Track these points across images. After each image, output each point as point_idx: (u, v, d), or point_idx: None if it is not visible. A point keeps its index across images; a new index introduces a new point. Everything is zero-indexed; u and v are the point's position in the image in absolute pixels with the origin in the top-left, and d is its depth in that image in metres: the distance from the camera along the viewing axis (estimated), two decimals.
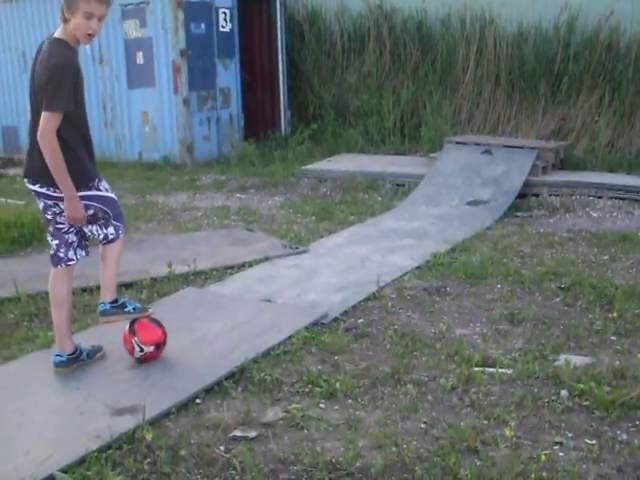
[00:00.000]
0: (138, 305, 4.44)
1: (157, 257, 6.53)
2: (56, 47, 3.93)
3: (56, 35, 3.99)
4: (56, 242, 4.26)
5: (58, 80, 3.86)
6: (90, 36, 3.94)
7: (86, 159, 4.14)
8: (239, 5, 12.27)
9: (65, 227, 4.23)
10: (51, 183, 4.02)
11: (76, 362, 4.34)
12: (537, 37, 11.16)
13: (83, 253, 4.36)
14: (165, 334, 4.41)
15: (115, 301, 4.33)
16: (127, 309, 4.34)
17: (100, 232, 4.29)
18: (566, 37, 10.92)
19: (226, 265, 6.36)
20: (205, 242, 7.14)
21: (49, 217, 4.22)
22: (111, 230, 4.29)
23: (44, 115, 3.87)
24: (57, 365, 4.31)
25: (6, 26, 13.44)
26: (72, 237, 4.28)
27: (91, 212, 4.19)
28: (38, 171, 4.04)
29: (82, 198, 4.08)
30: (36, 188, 4.11)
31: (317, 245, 7.04)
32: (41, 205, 4.21)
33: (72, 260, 4.29)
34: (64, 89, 3.88)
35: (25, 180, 4.19)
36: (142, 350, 4.33)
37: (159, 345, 4.39)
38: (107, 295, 4.32)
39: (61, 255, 4.26)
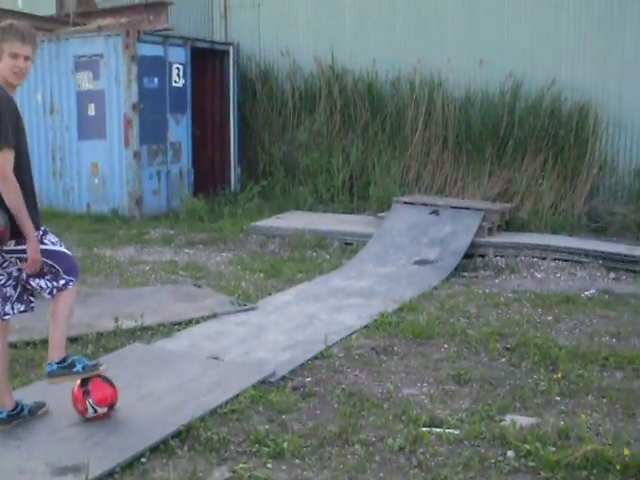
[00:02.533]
0: (88, 363, 4.31)
1: (104, 311, 6.44)
2: None
3: None
4: None
5: None
6: (17, 75, 4.00)
7: (29, 209, 4.03)
8: (192, 61, 12.40)
9: (2, 280, 4.14)
10: None
11: (16, 419, 4.21)
12: (484, 102, 11.51)
13: (22, 307, 4.25)
14: (116, 393, 4.33)
15: (63, 360, 4.20)
16: (76, 368, 4.21)
17: (48, 285, 4.18)
18: (511, 103, 11.30)
19: (173, 321, 6.30)
20: (152, 297, 7.07)
21: None
22: (60, 284, 4.19)
23: None
24: None
25: None
26: (10, 290, 4.18)
27: None
28: None
29: (24, 252, 4.01)
30: None
31: (265, 302, 7.03)
32: None
33: (8, 314, 4.19)
34: (5, 124, 3.87)
35: None
36: (95, 411, 4.22)
37: (112, 405, 4.31)
38: (54, 354, 4.19)
39: None
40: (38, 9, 15.21)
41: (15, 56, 3.97)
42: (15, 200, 3.89)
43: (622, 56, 10.75)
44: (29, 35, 4.02)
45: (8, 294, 4.18)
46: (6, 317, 4.19)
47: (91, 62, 11.68)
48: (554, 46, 11.11)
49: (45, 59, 12.03)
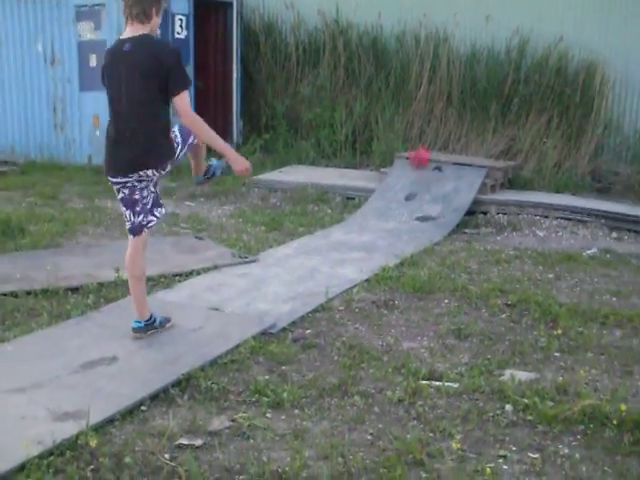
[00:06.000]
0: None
1: (104, 262, 6.44)
2: (154, 39, 4.44)
3: (142, 32, 4.39)
4: (141, 217, 4.73)
5: (180, 62, 4.35)
6: None
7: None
8: (195, 12, 12.22)
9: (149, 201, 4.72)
10: (152, 165, 4.52)
11: (151, 329, 4.77)
12: (489, 58, 11.37)
13: (162, 210, 4.92)
14: None
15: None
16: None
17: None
18: (517, 60, 11.17)
19: (174, 272, 6.31)
20: (153, 249, 6.98)
21: (136, 197, 4.64)
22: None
23: (181, 95, 4.28)
24: (135, 331, 4.73)
25: None
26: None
27: (145, 195, 4.68)
28: (138, 158, 4.46)
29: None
30: (127, 179, 4.54)
31: (266, 255, 7.03)
32: (126, 192, 4.63)
33: (152, 220, 4.79)
34: (184, 68, 4.40)
35: (113, 176, 4.56)
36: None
37: None
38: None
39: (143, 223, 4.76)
40: None
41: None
42: (204, 130, 4.36)
43: (630, 15, 10.60)
44: None
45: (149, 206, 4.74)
46: (151, 224, 4.82)
47: (92, 12, 11.49)
48: (562, 2, 10.95)
49: (45, 8, 11.85)
